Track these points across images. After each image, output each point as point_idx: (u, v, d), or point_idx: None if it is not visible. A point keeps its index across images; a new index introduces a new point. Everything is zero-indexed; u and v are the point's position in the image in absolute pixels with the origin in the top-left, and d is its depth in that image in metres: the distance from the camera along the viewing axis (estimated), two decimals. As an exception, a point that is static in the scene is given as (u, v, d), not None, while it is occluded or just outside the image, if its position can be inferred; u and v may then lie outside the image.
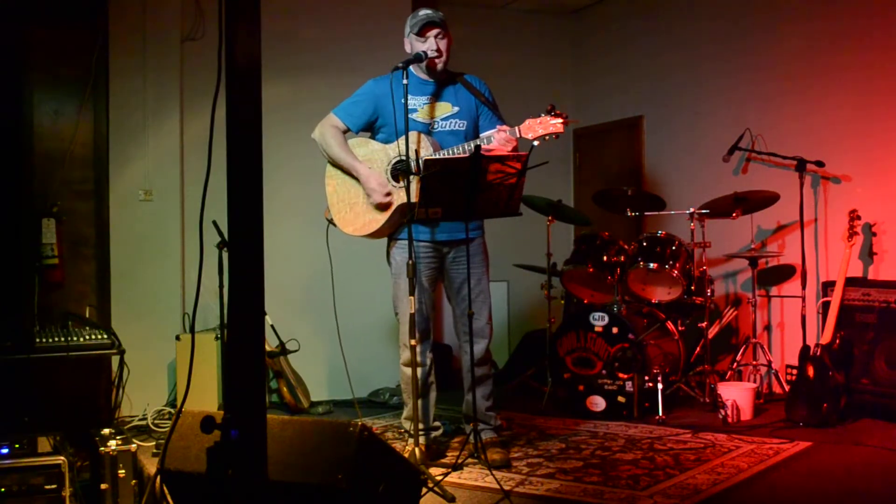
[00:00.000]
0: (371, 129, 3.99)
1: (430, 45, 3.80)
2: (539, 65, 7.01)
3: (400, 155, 3.77)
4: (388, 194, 3.80)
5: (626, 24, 6.74)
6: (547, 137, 3.70)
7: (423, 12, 3.82)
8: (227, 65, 1.79)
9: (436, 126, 3.90)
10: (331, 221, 3.97)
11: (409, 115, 3.72)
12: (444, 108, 3.93)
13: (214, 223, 3.76)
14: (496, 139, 3.72)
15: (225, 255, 2.91)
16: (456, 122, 3.93)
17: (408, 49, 3.88)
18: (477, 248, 3.98)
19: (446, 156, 3.71)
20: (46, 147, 4.94)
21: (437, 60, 3.82)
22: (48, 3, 4.94)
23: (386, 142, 3.90)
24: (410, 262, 3.60)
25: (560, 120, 3.69)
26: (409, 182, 3.62)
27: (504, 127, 3.75)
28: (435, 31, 3.80)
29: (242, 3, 1.79)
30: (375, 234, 3.92)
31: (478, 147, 3.56)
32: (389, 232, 3.93)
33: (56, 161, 4.96)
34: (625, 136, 6.71)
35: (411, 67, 3.82)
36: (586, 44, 7.13)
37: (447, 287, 4.05)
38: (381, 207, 3.83)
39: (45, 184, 4.91)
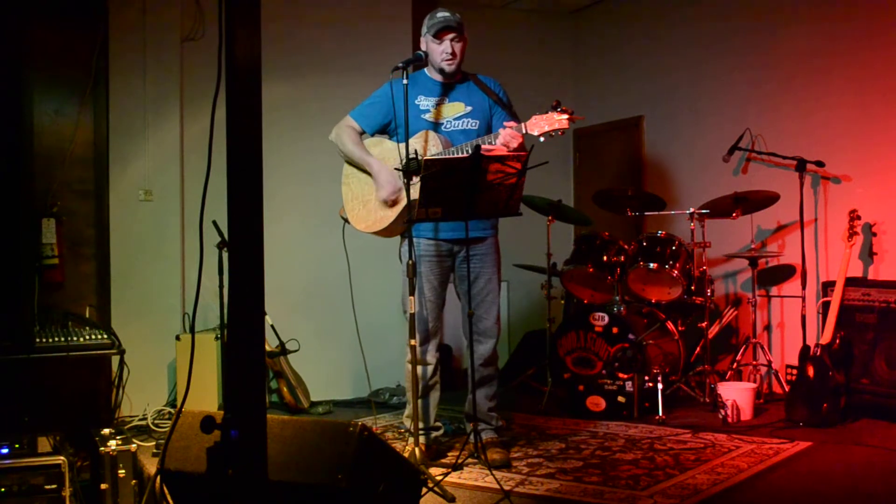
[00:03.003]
0: (386, 131, 4.01)
1: (444, 47, 3.83)
2: (539, 65, 7.00)
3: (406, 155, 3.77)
4: (398, 190, 3.80)
5: (626, 24, 6.74)
6: (552, 134, 3.69)
7: (441, 15, 3.84)
8: (227, 65, 1.79)
9: (448, 126, 3.91)
10: (345, 220, 3.99)
11: (421, 116, 3.75)
12: (457, 108, 3.94)
13: (214, 223, 3.77)
14: (502, 135, 3.70)
15: (225, 255, 2.92)
16: (468, 122, 3.93)
17: (423, 48, 3.90)
18: (489, 247, 3.97)
19: (447, 155, 3.71)
20: (46, 147, 4.93)
21: (451, 62, 3.85)
22: (48, 3, 4.94)
23: (400, 142, 3.91)
24: (410, 262, 3.60)
25: (566, 116, 3.67)
26: (408, 182, 3.62)
27: (510, 123, 3.73)
28: (451, 35, 3.83)
29: (242, 3, 1.79)
30: (387, 232, 3.92)
31: (477, 147, 3.55)
32: (402, 230, 3.91)
33: (56, 161, 4.95)
34: (625, 136, 6.70)
35: (424, 69, 3.86)
36: (586, 44, 7.13)
37: (457, 286, 4.04)
38: (390, 203, 3.84)
39: (45, 184, 4.90)
